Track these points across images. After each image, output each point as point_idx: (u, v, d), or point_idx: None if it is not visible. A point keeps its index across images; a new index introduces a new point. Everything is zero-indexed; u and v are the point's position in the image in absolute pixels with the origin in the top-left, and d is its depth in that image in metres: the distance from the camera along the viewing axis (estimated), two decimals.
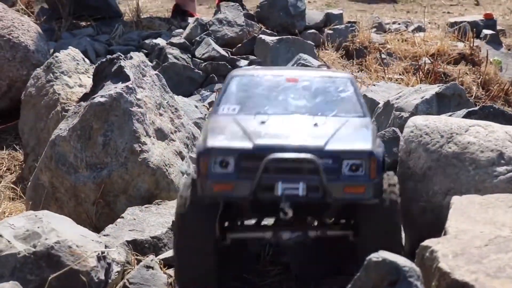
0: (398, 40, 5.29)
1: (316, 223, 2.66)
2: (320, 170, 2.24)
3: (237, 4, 5.08)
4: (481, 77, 4.70)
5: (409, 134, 3.06)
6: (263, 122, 2.56)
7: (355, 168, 2.29)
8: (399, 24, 5.95)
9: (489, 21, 5.89)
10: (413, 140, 3.04)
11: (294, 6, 4.99)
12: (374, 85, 4.53)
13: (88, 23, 5.17)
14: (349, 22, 5.60)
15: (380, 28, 5.70)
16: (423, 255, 2.49)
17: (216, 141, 2.37)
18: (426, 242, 2.48)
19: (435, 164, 2.99)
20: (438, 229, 2.80)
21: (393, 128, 3.59)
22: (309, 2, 6.27)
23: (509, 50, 5.71)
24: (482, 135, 2.96)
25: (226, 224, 2.55)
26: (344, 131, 2.50)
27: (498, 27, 5.94)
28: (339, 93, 2.79)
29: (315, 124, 2.51)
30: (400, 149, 3.14)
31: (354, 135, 2.49)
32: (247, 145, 2.35)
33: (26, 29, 4.36)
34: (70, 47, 4.18)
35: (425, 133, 3.06)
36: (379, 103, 3.99)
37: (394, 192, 2.49)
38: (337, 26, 5.26)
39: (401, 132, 3.47)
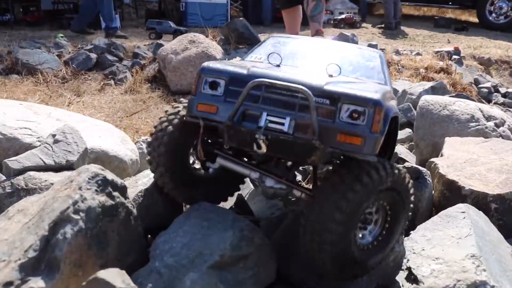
0: (407, 59, 7.13)
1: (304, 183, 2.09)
2: (311, 105, 1.80)
3: (322, 36, 6.97)
4: (452, 80, 6.34)
5: (422, 104, 3.91)
6: (275, 66, 2.18)
7: (357, 115, 1.84)
8: (407, 51, 7.92)
9: (456, 51, 7.83)
10: (424, 107, 3.88)
11: (352, 39, 7.16)
12: (395, 81, 5.97)
13: (243, 46, 6.96)
14: (380, 49, 7.39)
15: (397, 52, 7.72)
16: (430, 166, 3.13)
17: (214, 64, 2.04)
18: (432, 159, 3.19)
19: (436, 120, 3.78)
20: (435, 155, 3.46)
21: (408, 103, 4.98)
22: (360, 37, 8.42)
23: (466, 67, 7.47)
24: (462, 106, 3.87)
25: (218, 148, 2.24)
26: (356, 85, 2.05)
27: (461, 55, 7.86)
28: (365, 62, 2.47)
29: (330, 76, 2.08)
30: (417, 111, 3.98)
31: (365, 87, 1.99)
32: (242, 71, 2.00)
33: (214, 48, 6.15)
34: (237, 57, 5.49)
35: (431, 104, 3.88)
36: (398, 91, 5.49)
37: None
38: None
39: (413, 106, 4.74)
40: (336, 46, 2.61)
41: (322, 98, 1.89)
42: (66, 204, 1.90)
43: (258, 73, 1.99)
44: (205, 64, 2.08)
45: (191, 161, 2.38)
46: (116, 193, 2.07)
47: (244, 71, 2.01)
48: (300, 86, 1.87)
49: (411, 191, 2.19)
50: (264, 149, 1.89)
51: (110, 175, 2.08)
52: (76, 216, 1.88)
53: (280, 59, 2.23)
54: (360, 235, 2.09)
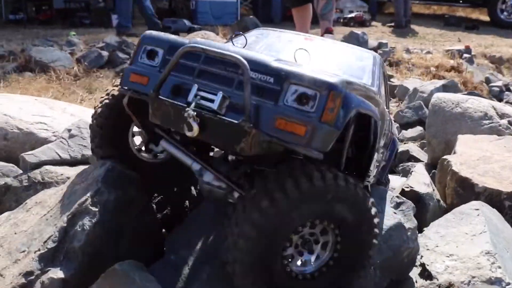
0: (417, 58, 7.35)
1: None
2: (245, 78, 1.46)
3: (332, 35, 7.17)
4: (463, 79, 6.49)
5: (435, 101, 3.95)
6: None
7: (305, 100, 1.48)
8: (417, 49, 8.09)
9: (467, 50, 8.01)
10: (437, 105, 3.93)
11: (362, 37, 7.29)
12: (406, 80, 6.22)
13: None
14: (391, 47, 7.73)
15: (407, 51, 7.86)
16: (443, 163, 3.15)
17: (158, 33, 1.82)
18: (445, 156, 3.20)
19: (449, 118, 3.85)
20: (447, 152, 3.49)
21: (419, 101, 5.12)
22: (370, 35, 8.47)
23: (477, 65, 7.62)
24: (475, 103, 3.94)
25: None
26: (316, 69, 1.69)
27: (472, 53, 8.05)
28: (354, 60, 2.19)
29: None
30: (429, 109, 4.01)
31: (327, 73, 1.62)
32: (184, 40, 1.77)
33: None
34: None
35: (443, 101, 3.93)
36: (409, 89, 5.65)
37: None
38: (385, 49, 7.38)
39: (424, 105, 4.86)
40: (323, 43, 2.37)
41: (266, 75, 1.57)
42: (84, 196, 1.93)
43: (200, 42, 1.69)
44: (148, 31, 1.85)
45: (134, 143, 2.18)
46: (132, 187, 2.09)
47: (186, 41, 1.76)
48: (234, 54, 1.54)
49: (372, 212, 1.72)
50: (195, 132, 1.55)
51: (126, 169, 2.10)
52: (94, 208, 1.91)
53: (245, 42, 2.05)
54: (291, 259, 1.69)
